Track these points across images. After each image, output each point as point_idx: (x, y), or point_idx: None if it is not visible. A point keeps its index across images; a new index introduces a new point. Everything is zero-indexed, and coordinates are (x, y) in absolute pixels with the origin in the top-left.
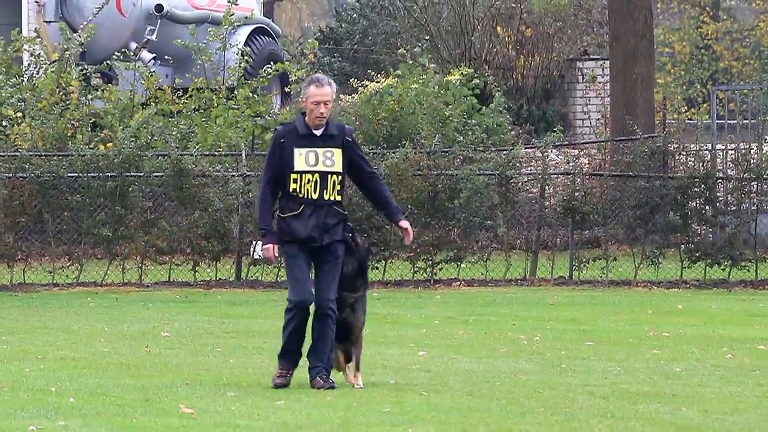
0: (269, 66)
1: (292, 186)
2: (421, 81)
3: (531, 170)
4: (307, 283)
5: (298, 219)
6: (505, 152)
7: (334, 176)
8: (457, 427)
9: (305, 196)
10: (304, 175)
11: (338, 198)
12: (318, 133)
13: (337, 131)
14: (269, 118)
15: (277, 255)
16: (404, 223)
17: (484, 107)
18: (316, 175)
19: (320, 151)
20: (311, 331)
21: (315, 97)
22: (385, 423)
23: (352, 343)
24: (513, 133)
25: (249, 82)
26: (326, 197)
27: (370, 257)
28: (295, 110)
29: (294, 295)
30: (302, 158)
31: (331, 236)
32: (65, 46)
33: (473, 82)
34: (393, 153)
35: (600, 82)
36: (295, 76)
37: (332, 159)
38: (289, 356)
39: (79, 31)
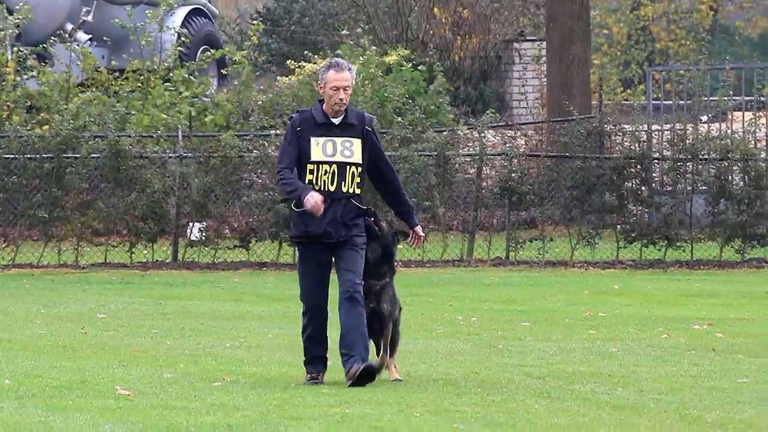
0: (207, 48)
1: (308, 177)
2: (360, 62)
3: (468, 151)
4: (321, 287)
5: (315, 216)
6: (444, 132)
7: (353, 167)
8: (394, 407)
9: (322, 188)
10: (320, 165)
11: (357, 191)
12: (336, 121)
13: (357, 120)
14: (206, 99)
15: (321, 202)
16: (419, 230)
17: (425, 90)
18: (334, 166)
19: (338, 140)
20: (339, 319)
21: (334, 82)
22: (323, 404)
23: (385, 334)
24: (451, 115)
25: (187, 64)
26: (344, 189)
27: (396, 242)
28: (232, 92)
29: (306, 300)
30: (319, 148)
31: (349, 231)
32: (0, 27)
33: (420, 66)
34: None
35: (532, 64)
36: (237, 57)
37: (351, 149)
38: (315, 361)
39: (15, 13)
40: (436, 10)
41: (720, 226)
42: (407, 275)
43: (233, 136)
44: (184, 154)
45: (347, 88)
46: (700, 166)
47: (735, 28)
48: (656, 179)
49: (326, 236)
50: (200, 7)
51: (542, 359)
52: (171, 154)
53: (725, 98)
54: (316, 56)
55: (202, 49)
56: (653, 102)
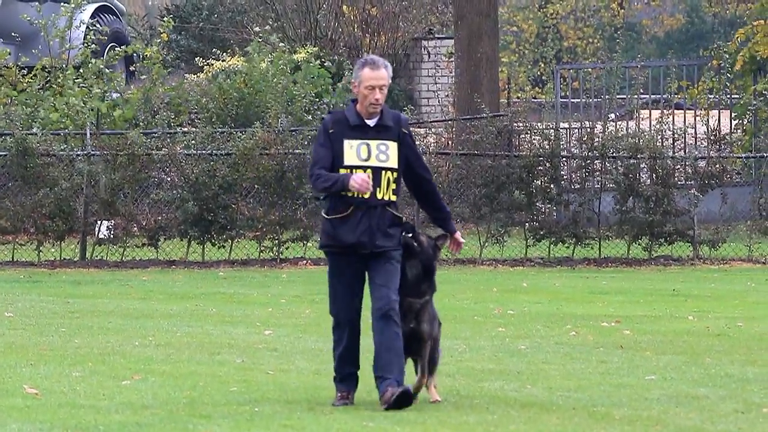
0: (115, 45)
1: None
2: (270, 60)
3: None
4: (353, 300)
5: (346, 222)
6: None
7: (389, 173)
8: (303, 405)
9: (356, 195)
10: (355, 171)
11: (393, 198)
12: (371, 123)
13: (393, 122)
14: (116, 96)
15: (368, 180)
16: (459, 236)
17: (333, 87)
18: (369, 171)
19: (373, 143)
20: (373, 338)
21: (369, 81)
22: (232, 402)
23: (422, 356)
24: None
25: (95, 61)
26: (379, 196)
27: (438, 253)
28: (142, 89)
29: (336, 314)
30: (353, 151)
31: (384, 242)
32: None
33: (326, 64)
34: (241, 133)
35: (445, 61)
36: (147, 52)
37: (386, 153)
38: (346, 379)
39: None
40: (344, 7)
41: (628, 224)
42: (316, 273)
43: (140, 134)
44: (92, 152)
45: (383, 87)
46: (609, 165)
47: (642, 26)
48: (565, 177)
49: (360, 246)
50: (107, 4)
51: (451, 357)
52: (79, 152)
53: (635, 96)
54: (224, 53)
55: (110, 46)
56: (562, 100)
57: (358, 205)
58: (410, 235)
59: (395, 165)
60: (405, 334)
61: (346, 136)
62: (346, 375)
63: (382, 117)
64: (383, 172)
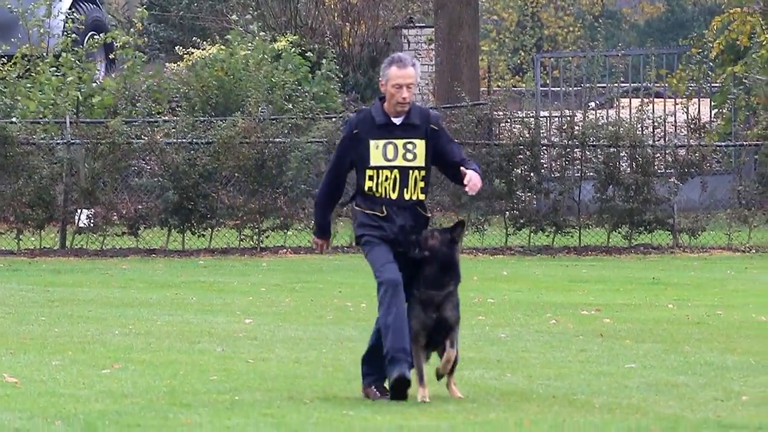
0: (95, 33)
1: (368, 184)
2: (250, 48)
3: None
4: (395, 264)
5: (386, 221)
6: (333, 119)
7: (416, 172)
8: (283, 394)
9: (384, 196)
10: (381, 171)
11: (422, 197)
12: (398, 121)
13: (420, 119)
14: (94, 85)
15: (328, 250)
16: (470, 173)
17: (312, 75)
18: (395, 171)
19: (400, 142)
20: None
21: (397, 79)
22: (212, 391)
23: (446, 346)
24: (340, 101)
25: (75, 49)
26: (407, 197)
27: (456, 247)
28: (120, 77)
29: (382, 275)
30: (379, 152)
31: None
32: None
33: (307, 53)
34: (222, 121)
35: (425, 50)
36: (123, 40)
37: (414, 152)
38: (401, 357)
39: None
40: None
41: (608, 213)
42: (296, 262)
43: (121, 123)
44: (72, 141)
45: (411, 86)
46: (589, 153)
47: (622, 14)
48: (545, 166)
49: (396, 243)
50: None
51: None
52: (59, 141)
53: (615, 85)
54: (204, 42)
55: (90, 34)
56: (542, 89)
57: (388, 205)
58: (414, 238)
59: (422, 164)
60: (429, 326)
61: (372, 135)
62: (399, 351)
63: (410, 115)
64: (410, 171)
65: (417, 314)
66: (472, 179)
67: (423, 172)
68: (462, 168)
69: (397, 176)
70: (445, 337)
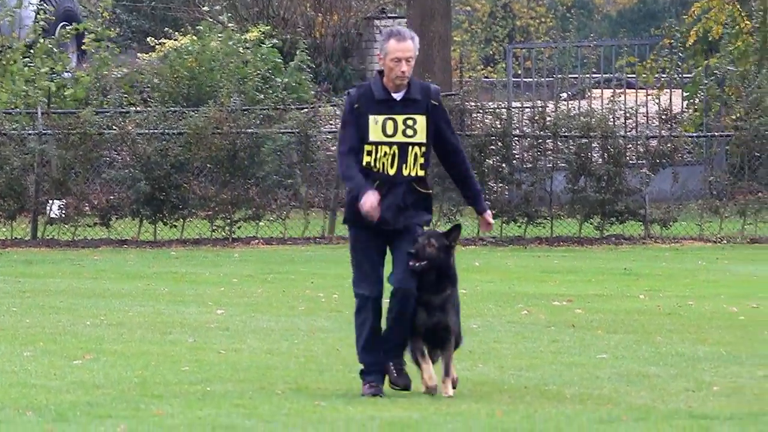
0: (66, 24)
1: (366, 159)
2: (220, 39)
3: (330, 129)
4: (377, 276)
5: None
6: (305, 110)
7: (416, 148)
8: (255, 385)
9: (381, 171)
10: (380, 146)
11: (420, 173)
12: (398, 96)
13: (421, 94)
14: (66, 75)
15: (376, 209)
16: (488, 216)
17: (284, 66)
18: (395, 146)
19: (400, 118)
20: (385, 315)
21: (396, 53)
22: (183, 382)
23: (447, 349)
24: (313, 92)
25: (46, 40)
26: (405, 173)
27: (451, 253)
28: (90, 68)
29: (361, 288)
30: (378, 127)
31: (408, 219)
32: None
33: (274, 43)
34: (194, 112)
35: None
36: (86, 29)
37: (414, 127)
38: (374, 369)
39: None
40: None
41: (579, 203)
42: (268, 252)
43: (92, 113)
44: (44, 131)
45: (410, 60)
46: (561, 144)
47: (594, 5)
48: (517, 157)
49: (382, 223)
50: None
51: None
52: (30, 131)
53: (587, 76)
54: (176, 33)
55: (61, 25)
56: (514, 79)
57: (384, 181)
58: (413, 250)
59: (423, 140)
60: (429, 327)
61: (371, 110)
62: (372, 365)
63: (410, 90)
64: (410, 147)
65: (417, 316)
66: (491, 223)
67: (423, 148)
68: (487, 213)
69: (396, 152)
70: (444, 339)
